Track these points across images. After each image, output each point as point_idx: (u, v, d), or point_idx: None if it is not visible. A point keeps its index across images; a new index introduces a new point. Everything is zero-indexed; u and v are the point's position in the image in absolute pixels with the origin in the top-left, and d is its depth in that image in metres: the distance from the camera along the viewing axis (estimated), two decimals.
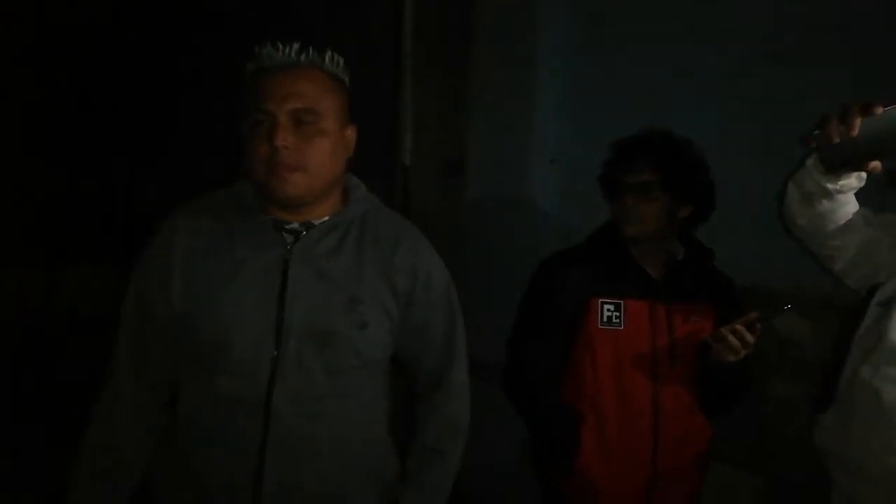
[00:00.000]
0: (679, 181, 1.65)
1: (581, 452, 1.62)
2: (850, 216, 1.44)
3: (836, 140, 1.30)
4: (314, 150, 1.19)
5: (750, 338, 1.51)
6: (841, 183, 1.38)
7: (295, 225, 1.24)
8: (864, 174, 1.38)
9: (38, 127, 3.50)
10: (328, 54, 1.23)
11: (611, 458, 1.62)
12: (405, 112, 3.52)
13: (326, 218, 1.25)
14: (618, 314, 1.63)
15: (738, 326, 1.51)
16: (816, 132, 1.35)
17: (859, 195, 1.46)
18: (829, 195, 1.39)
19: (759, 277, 2.14)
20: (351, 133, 1.28)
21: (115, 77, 3.89)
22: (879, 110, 1.27)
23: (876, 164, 1.33)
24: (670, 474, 1.64)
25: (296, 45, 1.21)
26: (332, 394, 1.24)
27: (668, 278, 1.69)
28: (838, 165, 1.35)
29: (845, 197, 1.42)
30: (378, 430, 1.34)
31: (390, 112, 3.55)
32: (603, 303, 1.64)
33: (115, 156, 3.69)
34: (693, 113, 2.34)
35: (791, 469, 2.07)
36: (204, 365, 1.22)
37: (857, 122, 1.27)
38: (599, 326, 1.63)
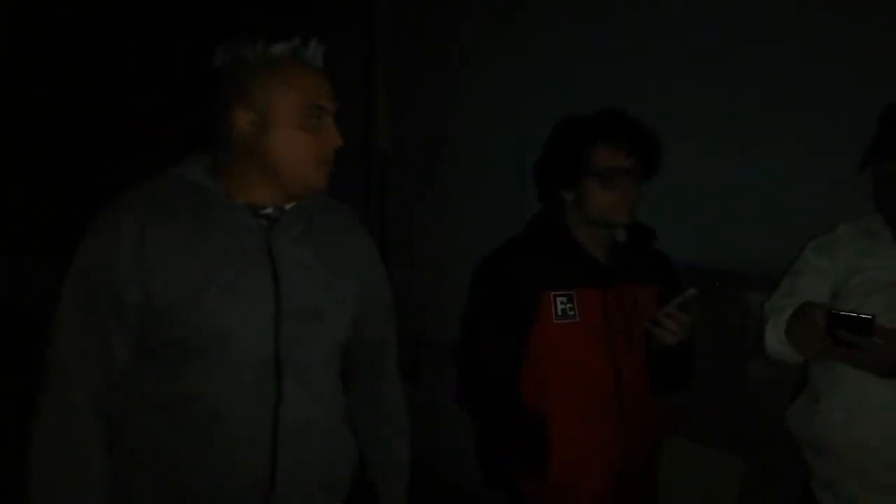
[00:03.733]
0: (657, 163, 1.63)
1: (551, 453, 1.58)
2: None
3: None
4: None
5: (686, 319, 1.49)
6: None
7: (269, 210, 1.27)
8: None
9: None
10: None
11: (581, 451, 1.59)
12: (381, 95, 3.47)
13: (294, 203, 1.29)
14: (571, 306, 1.59)
15: (671, 310, 1.49)
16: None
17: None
18: None
19: (715, 258, 2.17)
20: None
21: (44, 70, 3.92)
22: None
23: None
24: (638, 456, 1.63)
25: (323, 47, 1.27)
26: (324, 375, 1.30)
27: (614, 262, 1.65)
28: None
29: None
30: (343, 413, 1.38)
31: (365, 95, 3.50)
32: (556, 296, 1.59)
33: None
34: (658, 98, 2.36)
35: (772, 449, 2.08)
36: (199, 359, 1.19)
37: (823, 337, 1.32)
38: (555, 321, 1.58)
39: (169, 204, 1.22)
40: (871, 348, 1.25)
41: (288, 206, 1.28)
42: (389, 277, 1.49)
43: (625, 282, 1.64)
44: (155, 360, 1.21)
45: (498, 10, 3.03)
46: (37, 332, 1.32)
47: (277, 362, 1.22)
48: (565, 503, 1.62)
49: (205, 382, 1.19)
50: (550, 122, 2.69)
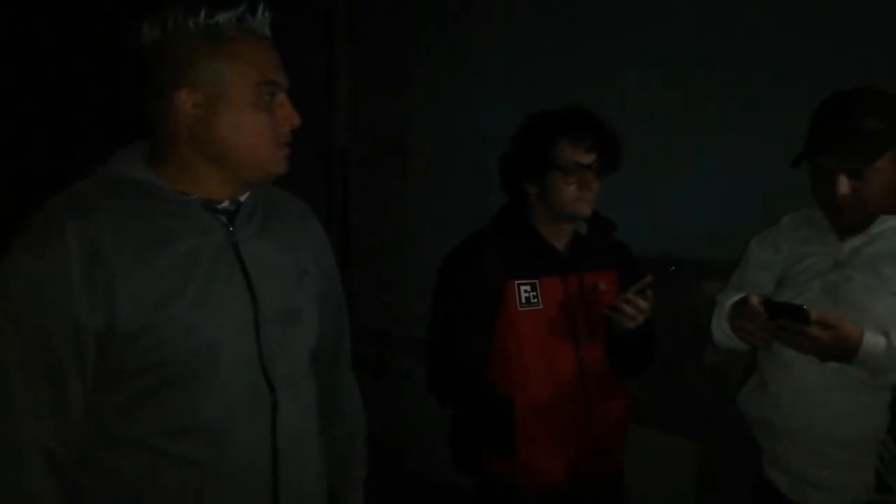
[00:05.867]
0: (617, 160, 1.69)
1: (518, 434, 1.63)
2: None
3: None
4: None
5: (643, 304, 1.55)
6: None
7: (226, 203, 1.14)
8: None
9: None
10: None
11: (547, 432, 1.64)
12: (341, 90, 3.47)
13: (247, 194, 1.17)
14: (535, 294, 1.65)
15: (629, 296, 1.55)
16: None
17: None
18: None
19: (681, 248, 2.24)
20: None
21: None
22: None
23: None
24: (602, 438, 1.68)
25: (269, 15, 1.12)
26: (307, 381, 1.20)
27: (575, 252, 1.72)
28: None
29: None
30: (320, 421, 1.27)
31: (325, 91, 3.49)
32: (519, 284, 1.64)
33: None
34: (628, 89, 2.42)
35: (728, 433, 2.16)
36: (183, 386, 1.05)
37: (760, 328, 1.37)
38: (519, 308, 1.64)
39: (114, 208, 1.05)
40: (808, 335, 1.31)
41: (243, 198, 1.16)
42: (353, 275, 1.43)
43: (586, 270, 1.70)
44: (122, 392, 1.05)
45: (458, 6, 3.05)
46: None
47: (265, 373, 1.11)
48: (533, 483, 1.66)
49: (194, 412, 1.06)
50: (512, 118, 2.75)
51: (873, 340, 1.30)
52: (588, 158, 1.64)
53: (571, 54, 2.62)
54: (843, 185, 1.37)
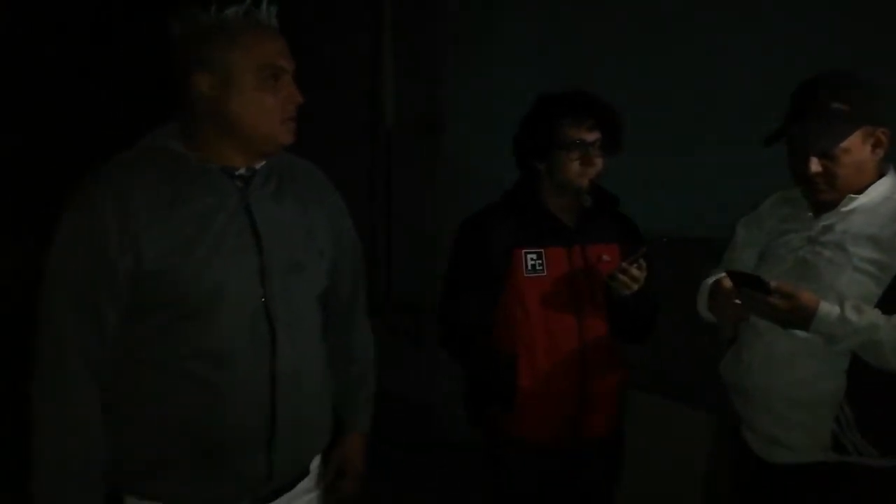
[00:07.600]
0: (620, 137, 1.80)
1: (518, 387, 1.77)
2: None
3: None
4: None
5: (637, 273, 1.66)
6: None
7: (242, 170, 1.32)
8: None
9: None
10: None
11: (545, 388, 1.77)
12: (386, 73, 3.62)
13: (263, 163, 1.35)
14: (540, 262, 1.77)
15: (624, 265, 1.66)
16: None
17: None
18: None
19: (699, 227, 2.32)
20: None
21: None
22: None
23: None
24: (597, 398, 1.80)
25: (276, 7, 1.31)
26: (309, 324, 1.38)
27: (581, 225, 1.83)
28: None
29: None
30: (326, 360, 1.47)
31: (370, 74, 3.66)
32: (526, 253, 1.77)
33: None
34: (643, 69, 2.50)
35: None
36: (195, 317, 1.25)
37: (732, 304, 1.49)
38: (525, 275, 1.77)
39: (145, 173, 1.26)
40: (768, 303, 1.41)
41: (258, 166, 1.34)
42: (394, 250, 1.55)
43: (590, 242, 1.82)
44: (150, 322, 1.26)
45: None
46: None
47: (267, 313, 1.29)
48: (532, 438, 1.80)
49: (203, 338, 1.25)
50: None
51: (827, 309, 1.39)
52: (591, 136, 1.75)
53: (607, 38, 2.70)
54: (815, 165, 1.46)
